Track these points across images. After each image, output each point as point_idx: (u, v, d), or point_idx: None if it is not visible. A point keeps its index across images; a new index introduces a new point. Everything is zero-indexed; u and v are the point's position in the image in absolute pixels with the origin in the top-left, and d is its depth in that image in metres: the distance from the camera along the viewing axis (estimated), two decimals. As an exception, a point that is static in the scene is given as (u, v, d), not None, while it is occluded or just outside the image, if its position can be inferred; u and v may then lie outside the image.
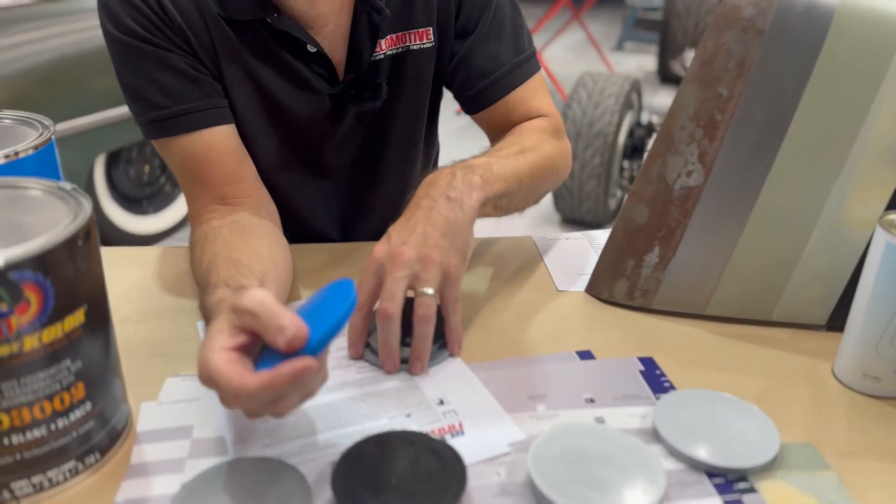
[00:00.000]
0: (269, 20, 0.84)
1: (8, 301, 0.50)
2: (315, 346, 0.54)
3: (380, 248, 0.70)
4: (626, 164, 3.11)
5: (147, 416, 0.66)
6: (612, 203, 3.05)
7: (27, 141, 0.70)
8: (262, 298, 0.55)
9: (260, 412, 0.56)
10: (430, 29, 0.92)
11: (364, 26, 0.88)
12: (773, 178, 0.76)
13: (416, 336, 0.69)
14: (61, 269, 0.52)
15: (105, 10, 0.83)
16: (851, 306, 0.72)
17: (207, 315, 0.70)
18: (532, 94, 0.96)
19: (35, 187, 0.59)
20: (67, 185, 0.58)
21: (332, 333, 0.54)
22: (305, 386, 0.56)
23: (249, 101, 0.89)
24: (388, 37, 0.91)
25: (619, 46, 6.16)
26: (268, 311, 0.54)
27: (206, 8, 0.83)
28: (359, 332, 0.72)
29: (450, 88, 1.00)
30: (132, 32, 0.81)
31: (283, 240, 0.87)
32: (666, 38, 5.02)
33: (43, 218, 0.55)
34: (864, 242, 0.76)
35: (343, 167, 0.99)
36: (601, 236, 0.99)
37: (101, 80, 2.18)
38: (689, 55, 3.41)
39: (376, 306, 0.70)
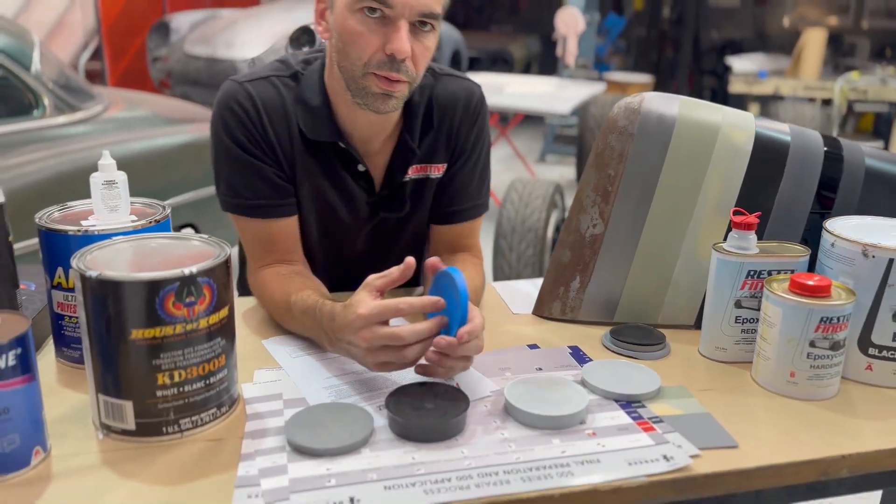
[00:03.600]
0: (340, 144, 1.19)
1: (195, 295, 0.84)
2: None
3: None
4: (554, 256, 3.55)
5: (248, 390, 0.99)
6: (545, 290, 3.46)
7: (158, 213, 1.04)
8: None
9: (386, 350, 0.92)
10: (445, 164, 1.27)
11: (400, 159, 1.23)
12: (647, 226, 1.16)
13: None
14: (221, 278, 0.87)
15: (221, 121, 1.15)
16: (704, 303, 1.11)
17: (301, 312, 1.06)
18: (473, 230, 1.33)
19: (194, 238, 0.94)
20: (213, 238, 0.93)
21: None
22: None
23: (309, 200, 1.22)
24: (414, 166, 1.24)
25: (542, 159, 6.80)
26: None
27: (293, 132, 1.16)
28: None
29: None
30: (239, 143, 1.15)
31: None
32: (581, 150, 5.64)
33: (201, 252, 0.90)
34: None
35: (365, 250, 1.32)
36: (540, 281, 1.37)
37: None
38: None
39: None
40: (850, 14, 9.05)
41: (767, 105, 6.22)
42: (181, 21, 6.07)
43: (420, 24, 1.05)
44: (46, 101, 2.70)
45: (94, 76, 6.12)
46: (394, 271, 0.95)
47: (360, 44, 1.05)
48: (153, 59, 5.92)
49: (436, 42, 1.10)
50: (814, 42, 6.39)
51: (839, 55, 7.74)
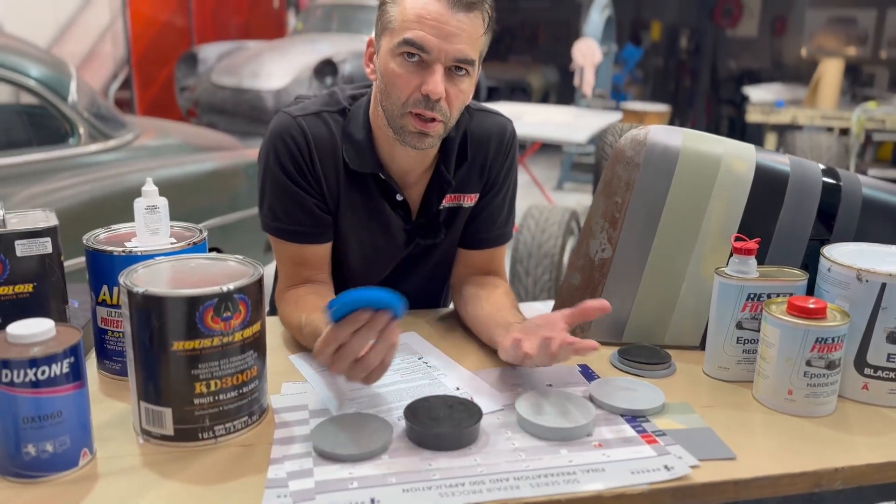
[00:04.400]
0: (381, 175, 1.28)
1: (231, 310, 0.91)
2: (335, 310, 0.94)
3: None
4: (570, 282, 3.61)
5: (277, 401, 1.06)
6: (561, 316, 3.51)
7: (196, 236, 1.12)
8: None
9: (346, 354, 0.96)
10: (478, 195, 1.36)
11: (436, 189, 1.31)
12: (653, 251, 1.22)
13: None
14: (254, 295, 0.94)
15: (273, 149, 1.23)
16: (707, 325, 1.16)
17: (310, 333, 1.11)
18: (500, 255, 1.42)
19: (230, 258, 1.01)
20: (248, 259, 1.00)
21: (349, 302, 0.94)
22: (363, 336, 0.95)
23: (350, 228, 1.31)
24: (448, 195, 1.33)
25: (559, 186, 6.89)
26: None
27: (339, 166, 1.25)
28: None
29: None
30: (287, 173, 1.23)
31: None
32: (598, 178, 5.72)
33: (237, 272, 0.98)
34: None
35: (395, 273, 1.40)
36: (552, 303, 1.43)
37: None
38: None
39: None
40: (868, 44, 9.11)
41: (784, 134, 6.27)
42: (208, 52, 6.25)
43: (455, 69, 1.15)
44: (81, 130, 2.81)
45: (122, 104, 6.30)
46: None
47: (400, 85, 1.15)
48: (181, 89, 6.09)
49: (472, 86, 1.19)
50: (831, 72, 6.44)
51: (857, 85, 7.79)
